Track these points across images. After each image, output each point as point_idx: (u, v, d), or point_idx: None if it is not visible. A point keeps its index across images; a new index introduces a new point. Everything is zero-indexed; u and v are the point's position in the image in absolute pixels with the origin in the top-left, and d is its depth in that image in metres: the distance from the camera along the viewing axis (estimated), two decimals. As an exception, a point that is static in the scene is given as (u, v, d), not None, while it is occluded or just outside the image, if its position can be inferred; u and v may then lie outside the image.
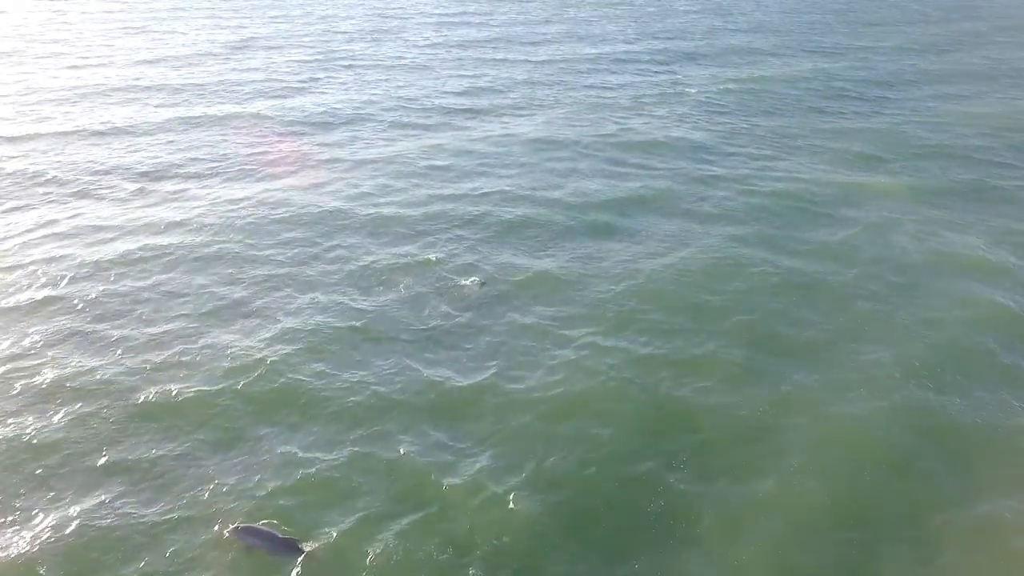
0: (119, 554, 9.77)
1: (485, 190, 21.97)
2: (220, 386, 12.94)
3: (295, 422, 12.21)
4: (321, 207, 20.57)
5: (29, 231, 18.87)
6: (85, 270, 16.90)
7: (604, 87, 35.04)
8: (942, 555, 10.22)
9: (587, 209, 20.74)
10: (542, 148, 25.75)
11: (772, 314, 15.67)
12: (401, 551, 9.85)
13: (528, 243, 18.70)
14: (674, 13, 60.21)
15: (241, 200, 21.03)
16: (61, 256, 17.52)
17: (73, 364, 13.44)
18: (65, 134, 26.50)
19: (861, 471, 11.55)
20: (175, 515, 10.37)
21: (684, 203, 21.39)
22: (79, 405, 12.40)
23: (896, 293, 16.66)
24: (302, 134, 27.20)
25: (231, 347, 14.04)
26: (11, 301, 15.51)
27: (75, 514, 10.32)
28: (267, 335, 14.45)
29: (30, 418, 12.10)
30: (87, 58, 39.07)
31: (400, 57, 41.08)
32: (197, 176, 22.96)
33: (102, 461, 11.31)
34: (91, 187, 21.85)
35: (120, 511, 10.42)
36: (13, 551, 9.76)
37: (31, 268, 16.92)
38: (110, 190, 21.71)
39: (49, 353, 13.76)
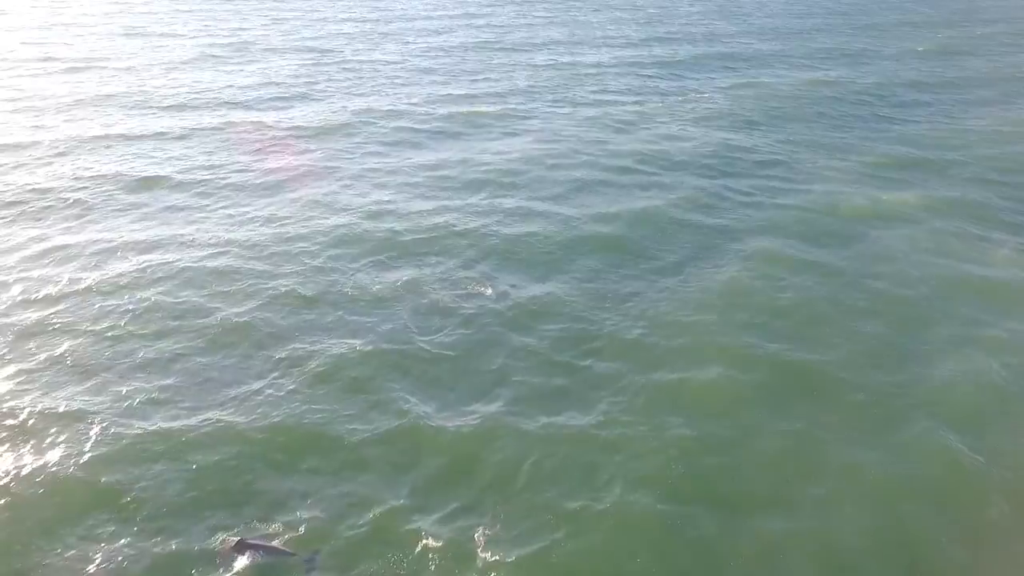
0: None
1: (491, 204, 21.41)
2: (233, 416, 12.51)
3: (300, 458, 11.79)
4: (325, 222, 20.11)
5: (24, 247, 18.41)
6: (80, 288, 16.41)
7: (608, 93, 34.54)
8: None
9: (597, 223, 20.21)
10: (545, 159, 25.14)
11: (791, 336, 15.25)
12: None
13: (536, 260, 18.22)
14: (678, 16, 59.71)
15: (243, 215, 20.58)
16: (56, 274, 17.06)
17: (63, 394, 12.99)
18: (64, 141, 26.04)
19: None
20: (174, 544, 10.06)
21: (698, 220, 20.68)
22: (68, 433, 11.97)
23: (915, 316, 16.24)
24: (304, 143, 26.71)
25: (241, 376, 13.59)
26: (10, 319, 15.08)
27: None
28: (277, 357, 14.03)
29: (27, 448, 11.67)
30: (88, 61, 38.61)
31: (400, 64, 40.59)
32: (198, 189, 22.50)
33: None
34: (89, 200, 21.37)
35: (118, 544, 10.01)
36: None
37: (25, 285, 16.46)
38: (106, 203, 21.24)
39: (43, 379, 13.32)
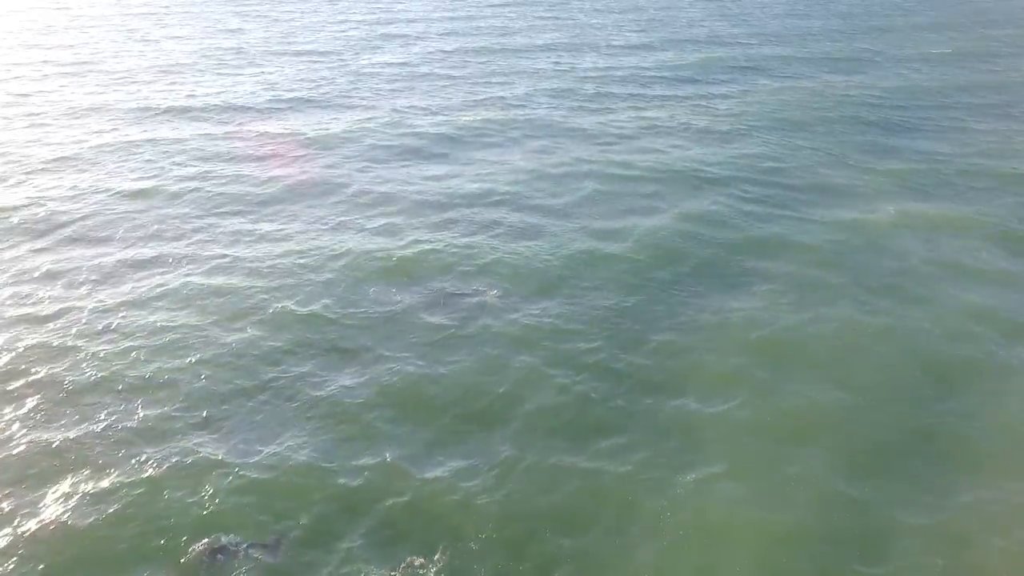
0: None
1: (497, 219, 20.77)
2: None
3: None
4: (326, 237, 19.61)
5: (29, 270, 17.94)
6: (87, 314, 15.92)
7: (614, 99, 33.99)
8: None
9: (606, 239, 19.62)
10: (550, 171, 24.54)
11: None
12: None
13: (544, 279, 17.66)
14: (680, 19, 59.13)
15: (240, 230, 20.09)
16: (44, 292, 16.59)
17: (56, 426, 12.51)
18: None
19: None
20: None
21: (710, 235, 19.95)
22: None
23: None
24: (304, 151, 26.19)
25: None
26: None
27: None
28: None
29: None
30: (84, 66, 38.11)
31: (401, 67, 40.04)
32: (195, 200, 22.00)
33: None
34: (82, 212, 20.88)
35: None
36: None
37: (32, 311, 15.97)
38: (99, 216, 20.75)
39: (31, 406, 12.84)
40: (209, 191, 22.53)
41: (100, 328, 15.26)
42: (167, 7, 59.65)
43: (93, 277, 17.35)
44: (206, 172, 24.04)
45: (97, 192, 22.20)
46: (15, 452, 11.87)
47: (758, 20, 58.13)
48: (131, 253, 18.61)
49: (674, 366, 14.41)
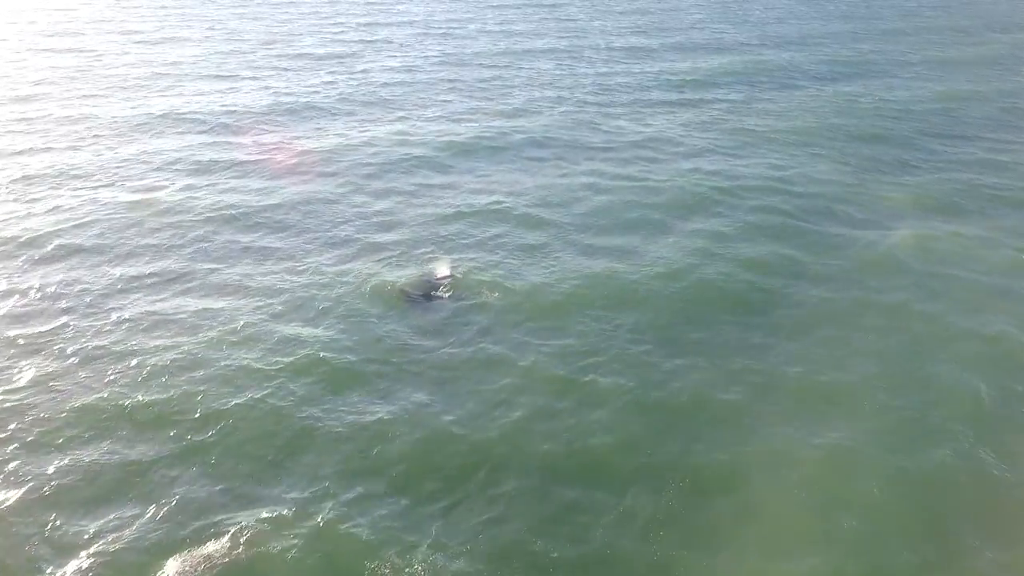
0: None
1: (510, 241, 19.94)
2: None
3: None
4: (331, 254, 19.00)
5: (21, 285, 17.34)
6: (60, 328, 15.35)
7: (617, 110, 33.34)
8: None
9: (624, 264, 18.94)
10: (563, 189, 23.63)
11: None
12: None
13: (561, 313, 17.01)
14: (683, 23, 58.48)
15: (242, 250, 19.48)
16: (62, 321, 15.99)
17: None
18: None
19: None
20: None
21: (734, 251, 19.29)
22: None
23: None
24: (308, 162, 25.57)
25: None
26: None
27: None
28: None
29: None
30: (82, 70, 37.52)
31: (409, 71, 39.44)
32: (195, 215, 21.39)
33: None
34: (79, 227, 20.27)
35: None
36: None
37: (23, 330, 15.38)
38: (95, 230, 20.14)
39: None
40: (207, 202, 21.91)
41: (90, 348, 14.67)
42: (166, 9, 59.09)
43: (86, 297, 16.75)
44: (203, 184, 23.41)
45: (93, 203, 21.59)
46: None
47: (768, 25, 57.43)
48: (124, 270, 17.97)
49: (696, 402, 13.73)
